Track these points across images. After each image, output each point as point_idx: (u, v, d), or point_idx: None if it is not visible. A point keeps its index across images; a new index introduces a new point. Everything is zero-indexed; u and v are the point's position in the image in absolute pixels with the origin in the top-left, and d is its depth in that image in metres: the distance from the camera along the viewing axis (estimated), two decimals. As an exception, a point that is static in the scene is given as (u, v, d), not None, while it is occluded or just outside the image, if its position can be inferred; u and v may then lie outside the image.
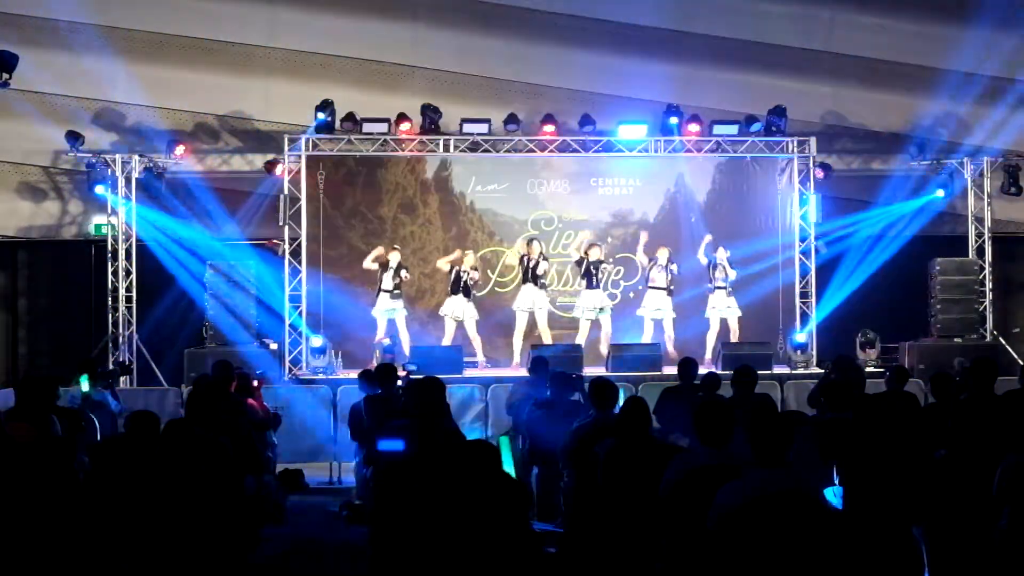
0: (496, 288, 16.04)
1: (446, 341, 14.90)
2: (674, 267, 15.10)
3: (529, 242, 15.16)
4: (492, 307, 15.76)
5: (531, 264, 14.92)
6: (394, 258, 14.98)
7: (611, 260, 15.72)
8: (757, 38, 16.44)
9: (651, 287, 15.18)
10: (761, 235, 16.25)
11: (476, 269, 15.20)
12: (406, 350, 14.37)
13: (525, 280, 15.01)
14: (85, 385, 9.92)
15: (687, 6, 16.61)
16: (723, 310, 15.17)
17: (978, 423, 6.38)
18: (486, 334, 15.36)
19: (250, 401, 9.86)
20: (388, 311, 14.90)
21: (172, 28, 16.11)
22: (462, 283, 14.93)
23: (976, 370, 8.12)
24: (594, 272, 15.05)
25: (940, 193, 16.24)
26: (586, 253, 15.12)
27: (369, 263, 15.10)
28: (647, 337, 15.07)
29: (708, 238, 15.33)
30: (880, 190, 16.55)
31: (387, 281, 14.92)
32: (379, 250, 15.20)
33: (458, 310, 14.94)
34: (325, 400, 13.13)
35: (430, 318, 15.87)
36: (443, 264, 15.23)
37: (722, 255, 15.13)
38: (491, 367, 15.02)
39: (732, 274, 15.14)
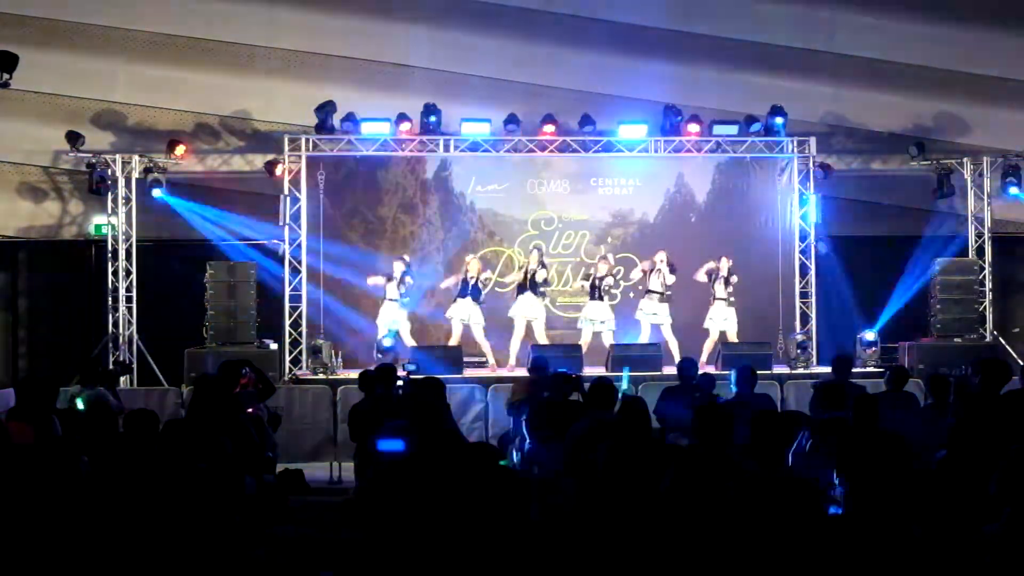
0: (496, 288, 16.02)
1: (453, 342, 14.86)
2: (670, 276, 14.99)
3: (529, 251, 15.15)
4: (492, 307, 15.71)
5: (531, 273, 14.90)
6: (398, 268, 14.93)
7: (616, 272, 15.52)
8: (757, 38, 16.45)
9: (648, 290, 15.15)
10: (761, 235, 16.25)
11: (483, 273, 15.18)
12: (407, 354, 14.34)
13: (523, 289, 14.96)
14: (80, 404, 9.82)
15: (687, 6, 16.61)
16: (721, 322, 15.12)
17: (980, 423, 6.38)
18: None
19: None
20: (392, 322, 14.85)
21: (172, 28, 16.12)
22: (470, 287, 14.89)
23: (985, 369, 8.04)
24: (598, 286, 15.03)
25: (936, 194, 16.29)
26: (595, 267, 15.10)
27: (373, 280, 15.05)
28: (644, 340, 15.05)
29: (711, 265, 15.12)
30: (880, 190, 16.58)
31: (392, 291, 14.89)
32: (378, 279, 15.12)
33: (464, 313, 14.90)
34: (325, 400, 13.12)
35: (431, 319, 15.86)
36: (448, 283, 15.14)
37: (724, 265, 15.07)
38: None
39: (734, 280, 15.04)
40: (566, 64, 16.43)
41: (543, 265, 15.05)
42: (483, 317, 14.98)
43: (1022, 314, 17.18)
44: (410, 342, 14.81)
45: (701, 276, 15.15)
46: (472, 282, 14.91)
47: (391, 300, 14.87)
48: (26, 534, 4.46)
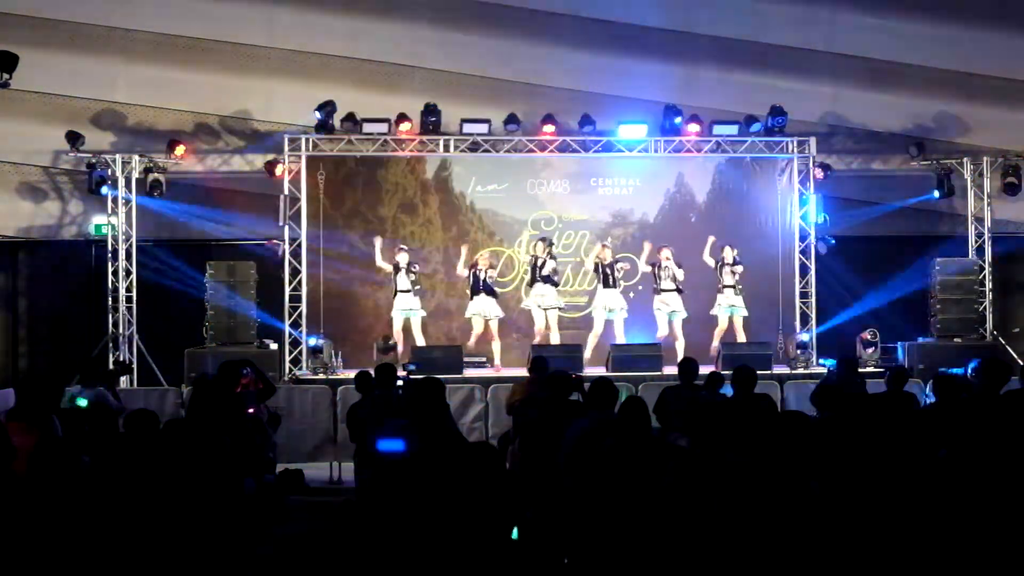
0: (497, 288, 16.00)
1: (472, 342, 14.89)
2: (680, 271, 15.01)
3: (537, 242, 15.15)
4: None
5: (539, 263, 14.89)
6: (403, 259, 14.94)
7: (617, 256, 15.56)
8: (757, 38, 16.44)
9: (663, 289, 15.11)
10: (761, 235, 16.24)
11: (493, 268, 15.22)
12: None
13: (535, 280, 14.96)
14: (83, 402, 9.85)
15: (687, 6, 16.61)
16: (728, 307, 15.16)
17: (982, 423, 6.38)
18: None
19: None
20: (406, 311, 14.88)
21: (172, 28, 16.12)
22: (482, 282, 14.90)
23: (987, 369, 8.03)
24: (610, 272, 15.03)
25: (936, 194, 16.28)
26: (599, 257, 15.08)
27: (380, 261, 15.05)
28: (662, 334, 15.03)
29: (712, 240, 15.27)
30: (880, 190, 16.58)
31: (403, 282, 14.89)
32: (378, 241, 15.14)
33: (484, 309, 14.90)
34: (325, 400, 13.12)
35: (431, 318, 15.85)
36: (463, 270, 15.13)
37: (729, 254, 15.11)
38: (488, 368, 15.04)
39: (739, 269, 15.09)
40: (566, 64, 16.42)
41: (552, 256, 15.04)
42: (501, 311, 15.03)
43: (1022, 314, 17.17)
44: (420, 335, 14.81)
45: (707, 257, 15.17)
46: (483, 277, 14.91)
47: (403, 291, 14.88)
48: (27, 533, 4.46)
